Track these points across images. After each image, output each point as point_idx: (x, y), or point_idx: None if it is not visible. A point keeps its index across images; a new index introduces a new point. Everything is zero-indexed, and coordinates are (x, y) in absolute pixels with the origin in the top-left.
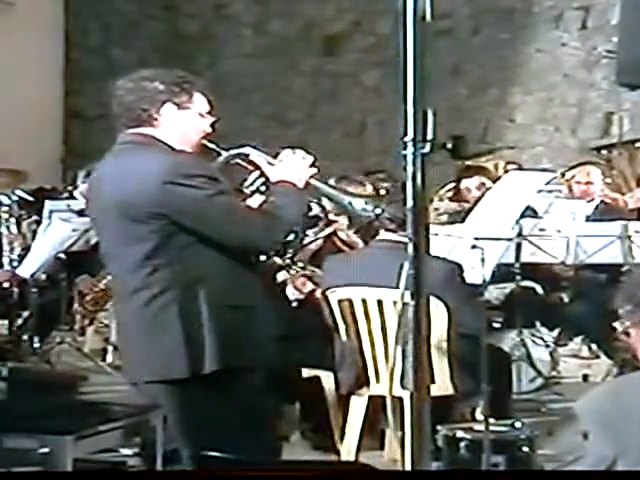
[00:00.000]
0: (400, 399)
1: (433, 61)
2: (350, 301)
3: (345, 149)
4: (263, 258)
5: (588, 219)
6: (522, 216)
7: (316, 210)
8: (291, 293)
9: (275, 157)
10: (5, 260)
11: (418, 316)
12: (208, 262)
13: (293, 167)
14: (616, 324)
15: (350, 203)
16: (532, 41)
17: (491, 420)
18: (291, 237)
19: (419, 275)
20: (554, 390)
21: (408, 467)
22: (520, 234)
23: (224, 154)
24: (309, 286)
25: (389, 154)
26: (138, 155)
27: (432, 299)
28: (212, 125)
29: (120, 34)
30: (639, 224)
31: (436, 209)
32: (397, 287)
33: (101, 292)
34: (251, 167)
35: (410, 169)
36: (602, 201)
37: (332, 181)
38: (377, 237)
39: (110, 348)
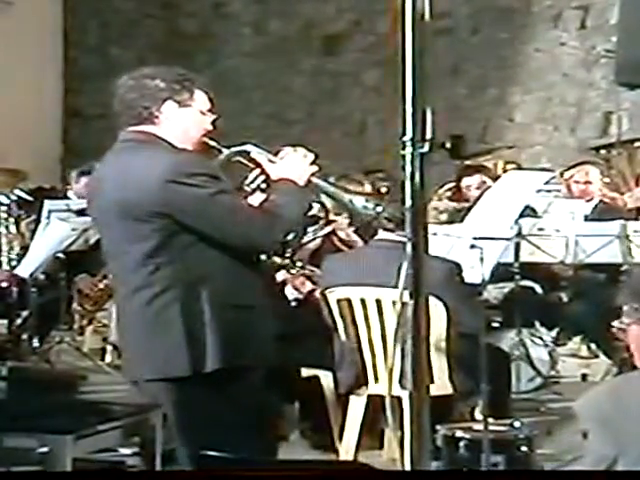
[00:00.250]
0: (399, 399)
1: (432, 60)
2: (349, 301)
3: (345, 148)
4: (263, 257)
5: (587, 219)
6: (521, 216)
7: (317, 209)
8: (290, 293)
9: (276, 155)
10: (4, 260)
11: (417, 316)
12: (210, 261)
13: (294, 165)
14: (615, 322)
15: (351, 201)
16: (531, 40)
17: (490, 420)
18: (290, 237)
19: (418, 275)
20: (553, 390)
21: (407, 467)
22: (519, 234)
23: (225, 152)
24: (308, 286)
25: (389, 153)
26: (139, 153)
27: (431, 299)
28: (213, 123)
29: (119, 33)
30: (638, 224)
31: (435, 208)
32: (396, 287)
33: (100, 292)
34: (252, 165)
35: (409, 169)
36: (601, 201)
37: (332, 180)
38: (376, 237)
39: (109, 348)
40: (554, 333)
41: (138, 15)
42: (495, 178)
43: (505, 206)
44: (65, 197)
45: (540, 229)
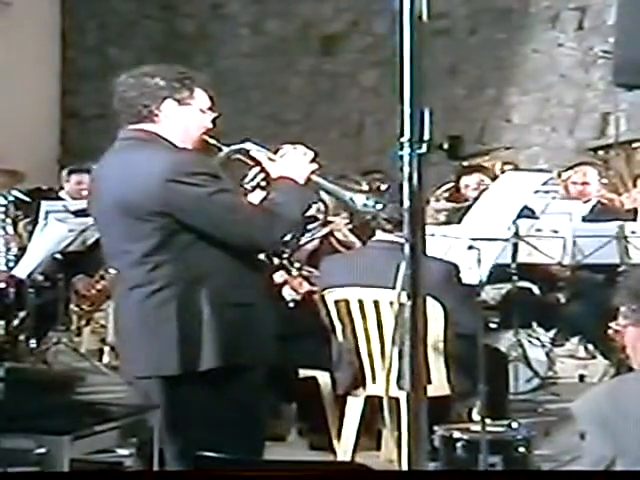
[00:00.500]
0: (397, 399)
1: (430, 61)
2: (347, 301)
3: (343, 149)
4: (262, 257)
5: (585, 219)
6: (519, 216)
7: (315, 208)
8: (288, 293)
9: (276, 153)
10: (1, 260)
11: (415, 316)
12: (210, 260)
13: (294, 163)
14: (612, 324)
15: (351, 199)
16: (529, 41)
17: (488, 420)
18: (289, 237)
19: (416, 275)
20: (551, 390)
21: (405, 467)
22: (517, 234)
23: (225, 150)
24: (306, 286)
25: (387, 154)
26: (139, 152)
27: (429, 299)
28: (213, 121)
29: (117, 33)
30: (636, 224)
31: (433, 209)
32: (394, 287)
33: (98, 292)
34: (252, 163)
35: (407, 169)
36: (599, 201)
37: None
38: (374, 237)
39: (107, 349)
40: (552, 334)
41: (136, 16)
42: (493, 178)
43: (503, 207)
44: (57, 198)
45: (538, 230)
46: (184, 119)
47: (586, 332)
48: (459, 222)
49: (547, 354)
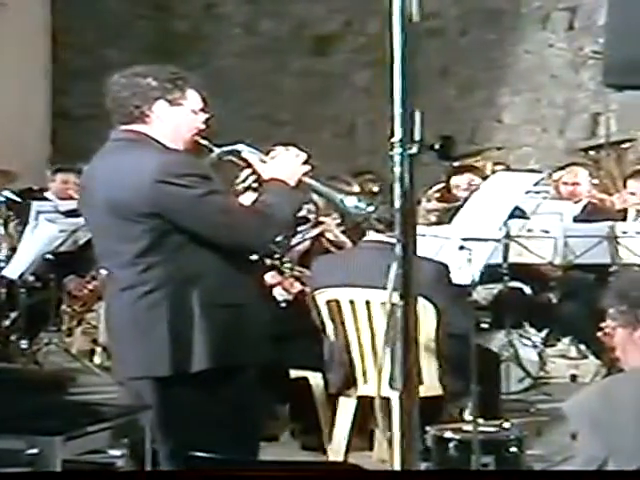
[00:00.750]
0: (389, 399)
1: (421, 62)
2: (338, 302)
3: (335, 149)
4: (254, 258)
5: (576, 220)
6: (510, 217)
7: (306, 210)
8: (279, 294)
9: (268, 154)
10: None
11: (406, 317)
12: (201, 261)
13: (285, 164)
14: (602, 325)
15: (342, 201)
16: (520, 42)
17: (480, 420)
18: (280, 237)
19: (407, 276)
20: (542, 390)
21: (397, 467)
22: (508, 235)
23: (216, 151)
24: (297, 287)
25: (379, 155)
26: (130, 153)
27: (420, 300)
28: (206, 122)
29: (109, 34)
30: (626, 225)
31: (424, 209)
32: (385, 288)
33: (89, 293)
34: (244, 164)
35: (398, 170)
36: (589, 202)
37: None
38: (365, 238)
39: (98, 349)
40: (543, 334)
41: (129, 16)
42: (484, 179)
43: (494, 207)
44: (44, 199)
45: (529, 230)
46: (176, 120)
47: (578, 332)
48: (450, 222)
49: (539, 354)
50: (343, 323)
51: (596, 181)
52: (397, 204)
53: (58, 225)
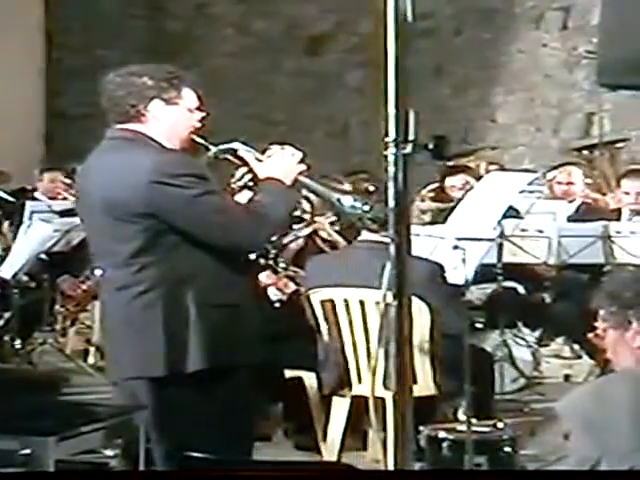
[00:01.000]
0: (383, 399)
1: (415, 61)
2: (332, 302)
3: (328, 149)
4: (250, 257)
5: (569, 219)
6: (504, 216)
7: (300, 209)
8: (273, 294)
9: (264, 153)
10: None
11: (400, 316)
12: (196, 261)
13: (281, 164)
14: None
15: (339, 200)
16: (514, 41)
17: (473, 420)
18: (274, 238)
19: (401, 275)
20: (536, 390)
21: (391, 467)
22: (502, 234)
23: (213, 149)
24: (291, 287)
25: (373, 154)
26: (125, 152)
27: (414, 299)
28: (202, 120)
29: (104, 34)
30: (620, 224)
31: (418, 209)
32: (379, 287)
33: (83, 293)
34: (239, 163)
35: (392, 169)
36: (583, 202)
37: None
38: (359, 237)
39: (92, 349)
40: (537, 334)
41: (122, 16)
42: (478, 178)
43: (488, 207)
44: (33, 199)
45: (523, 230)
46: (171, 119)
47: (571, 332)
48: (444, 222)
49: (533, 354)
50: (337, 323)
51: (590, 181)
52: (391, 204)
53: (52, 225)
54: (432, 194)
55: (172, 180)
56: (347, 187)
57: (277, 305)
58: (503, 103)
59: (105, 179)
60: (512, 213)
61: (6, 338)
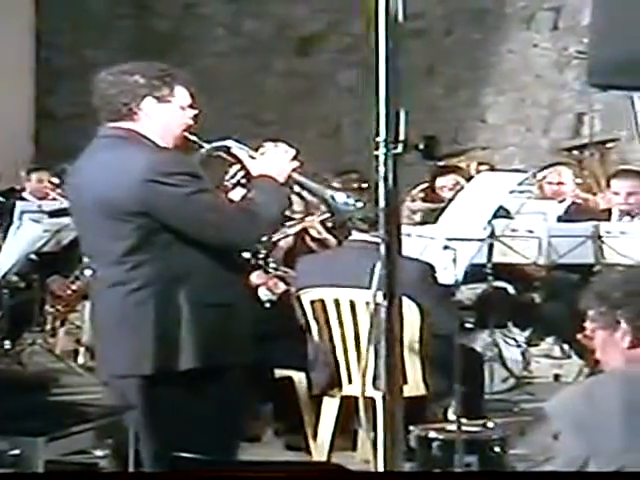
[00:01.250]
0: (373, 399)
1: (406, 61)
2: (323, 302)
3: (320, 149)
4: (242, 257)
5: (560, 219)
6: (494, 217)
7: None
8: (264, 294)
9: (257, 150)
10: None
11: (390, 317)
12: (189, 260)
13: (274, 161)
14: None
15: (332, 197)
16: (504, 42)
17: (463, 420)
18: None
19: (391, 275)
20: (526, 390)
21: (380, 468)
22: (492, 234)
23: (206, 147)
24: (282, 287)
25: (364, 154)
26: (119, 151)
27: (404, 300)
28: (194, 118)
29: (92, 33)
30: (610, 224)
31: (409, 209)
32: (369, 287)
33: (73, 293)
34: (233, 160)
35: (382, 169)
36: (573, 202)
37: None
38: (350, 237)
39: (82, 349)
40: (527, 334)
41: (111, 16)
42: (468, 179)
43: (478, 207)
44: (21, 199)
45: (513, 230)
46: (164, 117)
47: (561, 332)
48: (435, 222)
49: (522, 354)
50: (327, 323)
51: (580, 181)
52: (381, 203)
53: (42, 225)
54: (423, 194)
55: (166, 179)
56: (337, 186)
57: (267, 305)
58: (493, 103)
59: (98, 177)
60: (502, 213)
61: None
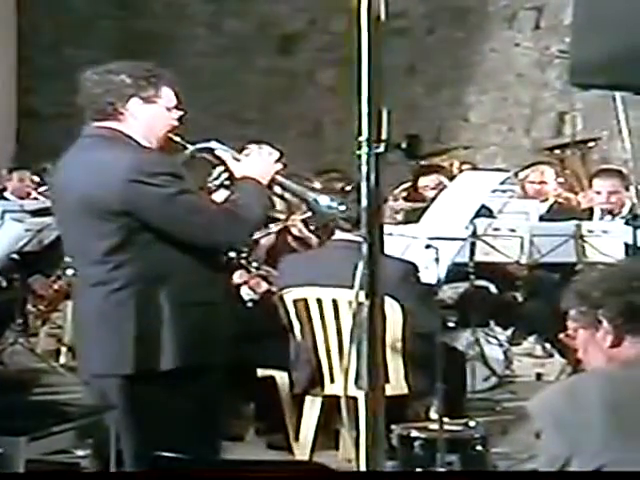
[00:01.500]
0: (355, 399)
1: (388, 60)
2: (305, 301)
3: (301, 148)
4: (224, 256)
5: (542, 218)
6: (476, 216)
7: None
8: (246, 293)
9: (241, 152)
10: None
11: (373, 316)
12: (171, 259)
13: (258, 163)
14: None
15: (315, 200)
16: (486, 41)
17: (445, 419)
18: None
19: (373, 275)
20: (508, 389)
21: (363, 467)
22: (474, 234)
23: (190, 148)
24: (264, 286)
25: (345, 153)
26: (103, 151)
27: (387, 299)
28: (179, 119)
29: (73, 33)
30: (592, 223)
31: (391, 208)
32: (352, 287)
33: (55, 293)
34: (216, 162)
35: (364, 169)
36: (556, 201)
37: None
38: (333, 237)
39: (63, 349)
40: (509, 332)
41: (93, 15)
42: (451, 178)
43: (460, 206)
44: (2, 198)
45: (495, 229)
46: (149, 117)
47: (543, 331)
48: (417, 221)
49: (504, 353)
50: (310, 322)
51: (562, 180)
52: (364, 203)
53: (24, 225)
54: (405, 193)
55: (149, 179)
56: (317, 185)
57: (249, 304)
58: (476, 102)
59: (82, 176)
60: (485, 212)
61: None
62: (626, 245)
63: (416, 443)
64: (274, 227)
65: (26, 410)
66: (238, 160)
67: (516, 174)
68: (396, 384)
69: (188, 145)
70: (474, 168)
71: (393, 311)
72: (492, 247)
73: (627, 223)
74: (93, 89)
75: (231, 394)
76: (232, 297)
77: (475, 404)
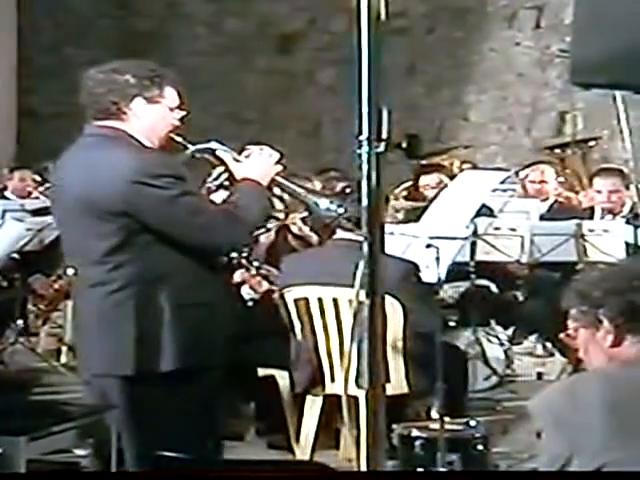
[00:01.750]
0: (355, 398)
1: (388, 59)
2: (306, 300)
3: (300, 147)
4: (233, 255)
5: (542, 218)
6: (477, 215)
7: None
8: (246, 293)
9: (241, 153)
10: None
11: (373, 315)
12: (170, 260)
13: (258, 164)
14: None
15: (315, 203)
16: (486, 40)
17: (446, 418)
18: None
19: (374, 274)
20: (509, 388)
21: (363, 466)
22: (475, 233)
23: (191, 148)
24: (264, 285)
25: (345, 153)
26: (105, 150)
27: (387, 298)
28: (181, 119)
29: (73, 32)
30: (592, 223)
31: (392, 208)
32: (353, 286)
33: (55, 292)
34: (217, 162)
35: (365, 168)
36: (556, 200)
37: None
38: (334, 236)
39: (64, 349)
40: (510, 332)
41: (92, 14)
42: (451, 177)
43: (461, 205)
44: (3, 197)
45: (496, 228)
46: (153, 117)
47: (544, 330)
48: (418, 221)
49: (505, 352)
50: (311, 321)
51: (562, 179)
52: (364, 202)
53: (24, 224)
54: (406, 193)
55: (152, 180)
56: (317, 185)
57: (250, 304)
58: (476, 102)
59: (83, 176)
60: (485, 212)
61: None
62: (627, 244)
63: (417, 442)
64: (273, 225)
65: (26, 410)
66: (238, 161)
67: (517, 173)
68: (397, 383)
69: (189, 145)
70: (474, 167)
71: (394, 310)
72: (493, 246)
73: (628, 222)
74: (96, 88)
75: (231, 394)
76: (232, 297)
77: (476, 403)
